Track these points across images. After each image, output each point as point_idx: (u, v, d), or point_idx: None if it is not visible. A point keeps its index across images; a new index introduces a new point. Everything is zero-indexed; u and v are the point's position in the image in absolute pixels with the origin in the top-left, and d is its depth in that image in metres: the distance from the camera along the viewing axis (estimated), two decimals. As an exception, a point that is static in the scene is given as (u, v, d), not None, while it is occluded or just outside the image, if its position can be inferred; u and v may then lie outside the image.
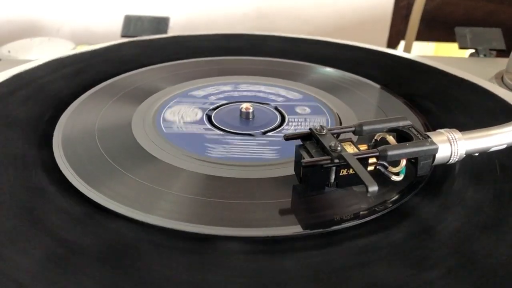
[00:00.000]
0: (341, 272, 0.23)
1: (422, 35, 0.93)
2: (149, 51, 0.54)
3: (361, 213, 0.28)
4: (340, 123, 0.39)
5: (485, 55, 0.65)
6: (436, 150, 0.28)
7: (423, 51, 1.02)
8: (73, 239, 0.25)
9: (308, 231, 0.27)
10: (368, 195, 0.24)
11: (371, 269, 0.24)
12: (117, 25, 0.68)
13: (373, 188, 0.24)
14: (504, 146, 0.31)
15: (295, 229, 0.27)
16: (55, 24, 0.88)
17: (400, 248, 0.25)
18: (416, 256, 0.24)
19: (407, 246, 0.25)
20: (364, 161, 0.27)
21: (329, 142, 0.27)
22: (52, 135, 0.35)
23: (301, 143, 0.29)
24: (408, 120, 0.30)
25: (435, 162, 0.30)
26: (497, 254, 0.25)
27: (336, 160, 0.26)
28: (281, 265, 0.24)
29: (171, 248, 0.25)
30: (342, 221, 0.27)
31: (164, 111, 0.39)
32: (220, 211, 0.28)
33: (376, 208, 0.28)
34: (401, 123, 0.30)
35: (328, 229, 0.26)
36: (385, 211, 0.28)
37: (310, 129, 0.29)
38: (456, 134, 0.30)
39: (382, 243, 0.26)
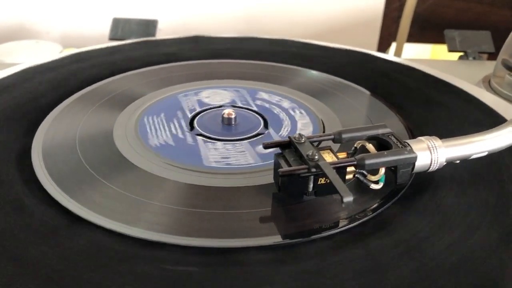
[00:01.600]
0: (320, 282, 0.23)
1: (414, 37, 0.93)
2: (132, 55, 0.54)
3: (340, 221, 0.28)
4: (324, 129, 0.38)
5: (474, 58, 0.65)
6: (415, 158, 0.28)
7: (420, 53, 1.02)
8: (49, 250, 0.25)
9: (288, 241, 0.26)
10: (343, 205, 0.24)
11: (351, 280, 0.23)
12: (107, 28, 0.67)
13: (348, 198, 0.23)
14: (486, 154, 0.31)
15: (274, 239, 0.26)
16: (44, 27, 0.87)
17: (380, 258, 0.25)
18: (396, 266, 0.24)
19: (387, 256, 0.25)
20: (342, 170, 0.27)
21: (307, 150, 0.27)
22: (31, 144, 0.35)
23: (280, 151, 0.29)
24: (388, 127, 0.30)
25: (415, 170, 0.29)
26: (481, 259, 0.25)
27: (313, 170, 0.26)
28: (262, 276, 0.24)
29: (152, 260, 0.25)
30: (321, 229, 0.27)
31: (146, 118, 0.39)
32: (201, 222, 0.27)
33: (357, 216, 0.28)
34: (380, 131, 0.30)
35: (308, 238, 0.26)
36: (365, 218, 0.28)
37: (289, 137, 0.29)
38: (436, 142, 0.30)
39: (361, 252, 0.25)
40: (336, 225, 0.27)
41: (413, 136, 0.37)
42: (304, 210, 0.28)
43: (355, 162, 0.27)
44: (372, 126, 0.30)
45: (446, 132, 0.37)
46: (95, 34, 0.86)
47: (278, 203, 0.29)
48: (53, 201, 0.29)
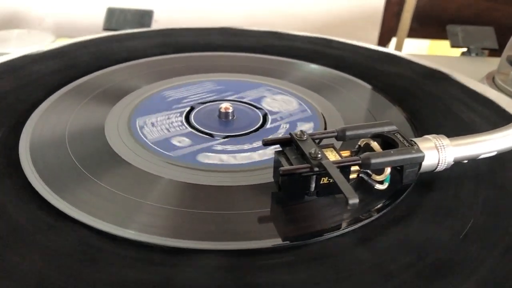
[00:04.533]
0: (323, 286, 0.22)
1: (414, 33, 0.92)
2: (127, 46, 0.52)
3: (343, 222, 0.26)
4: (325, 125, 0.37)
5: (477, 54, 0.64)
6: (422, 158, 0.27)
7: (417, 49, 1.01)
8: (35, 250, 0.23)
9: (288, 243, 0.25)
10: (348, 207, 0.22)
11: (353, 282, 0.22)
12: (101, 17, 0.65)
13: (354, 200, 0.22)
14: (495, 154, 0.30)
15: (273, 241, 0.25)
16: (37, 16, 0.85)
17: (385, 259, 0.24)
18: (402, 268, 0.23)
19: (391, 257, 0.24)
20: (346, 169, 0.26)
21: (310, 148, 0.26)
22: (18, 140, 0.33)
23: (281, 149, 0.27)
24: (393, 125, 0.29)
25: (422, 170, 0.28)
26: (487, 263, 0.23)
27: (316, 169, 0.25)
28: (260, 279, 0.22)
29: (143, 262, 0.23)
30: (323, 231, 0.25)
31: (140, 112, 0.37)
32: (196, 223, 0.26)
33: (361, 216, 0.26)
34: (386, 128, 0.29)
35: (309, 241, 0.25)
36: (370, 219, 0.26)
37: (290, 134, 0.27)
38: (444, 141, 0.29)
39: (366, 254, 0.24)
40: (338, 226, 0.26)
41: (417, 133, 0.36)
42: (305, 211, 0.27)
43: (360, 162, 0.26)
44: (377, 123, 0.29)
45: (450, 129, 0.36)
46: (88, 24, 0.83)
47: (277, 204, 0.28)
48: (40, 199, 0.27)
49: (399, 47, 0.85)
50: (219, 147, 0.33)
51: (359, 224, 0.26)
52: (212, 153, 0.32)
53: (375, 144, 0.28)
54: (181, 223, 0.26)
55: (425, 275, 0.23)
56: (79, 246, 0.24)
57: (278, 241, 0.25)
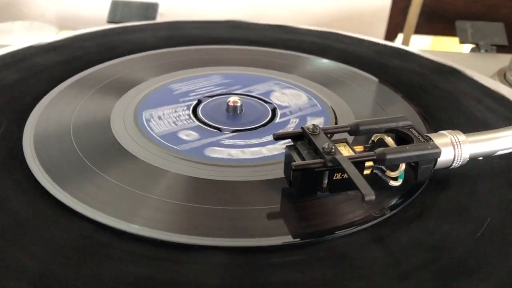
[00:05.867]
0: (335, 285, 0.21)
1: (421, 29, 0.91)
2: (133, 38, 0.51)
3: (356, 220, 0.25)
4: (336, 120, 0.36)
5: (486, 51, 0.63)
6: (438, 154, 0.26)
7: (419, 46, 1.00)
8: (40, 243, 0.22)
9: (298, 241, 0.24)
10: (364, 204, 0.21)
11: (367, 282, 0.21)
12: (105, 10, 0.64)
13: (370, 197, 0.21)
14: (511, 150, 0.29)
15: (284, 239, 0.24)
16: (40, 8, 0.84)
17: (399, 258, 0.23)
18: (416, 267, 0.22)
19: (406, 256, 0.23)
20: (360, 165, 0.25)
21: (323, 143, 0.25)
22: (22, 132, 0.32)
23: (292, 143, 0.27)
24: (408, 120, 0.28)
25: (437, 166, 0.27)
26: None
27: (330, 164, 0.24)
28: (270, 278, 0.22)
29: (148, 258, 0.22)
30: (336, 229, 0.25)
31: (146, 105, 0.37)
32: (203, 218, 0.25)
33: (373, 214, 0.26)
34: (400, 123, 0.28)
35: (321, 239, 0.24)
36: (383, 217, 0.26)
37: (302, 128, 0.26)
38: (460, 137, 0.28)
39: (379, 253, 0.23)
40: (351, 224, 0.25)
41: (429, 129, 0.35)
42: (317, 207, 0.26)
43: (375, 157, 0.25)
44: (391, 118, 0.28)
45: (462, 124, 0.35)
46: (92, 17, 0.82)
47: (288, 200, 0.27)
48: (44, 192, 0.26)
49: (406, 43, 0.84)
50: (227, 141, 0.32)
51: (372, 222, 0.25)
52: (220, 147, 0.31)
53: (389, 139, 0.27)
54: (187, 219, 0.25)
55: (441, 275, 0.22)
56: (82, 240, 0.23)
57: (288, 239, 0.24)
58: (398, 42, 0.90)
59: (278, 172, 0.28)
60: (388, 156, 0.25)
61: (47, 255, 0.22)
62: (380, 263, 0.23)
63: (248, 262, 0.23)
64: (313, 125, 0.26)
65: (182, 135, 0.33)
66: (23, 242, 0.23)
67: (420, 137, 0.27)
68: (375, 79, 0.44)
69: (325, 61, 0.47)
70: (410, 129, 0.27)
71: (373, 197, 0.21)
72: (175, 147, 0.31)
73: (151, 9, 0.63)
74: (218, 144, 0.32)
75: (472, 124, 0.36)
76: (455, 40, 0.66)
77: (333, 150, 0.24)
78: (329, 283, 0.21)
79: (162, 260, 0.22)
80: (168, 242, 0.23)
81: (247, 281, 0.22)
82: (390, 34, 0.90)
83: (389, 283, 0.22)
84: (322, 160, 0.24)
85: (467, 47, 0.65)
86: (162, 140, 0.32)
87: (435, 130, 0.32)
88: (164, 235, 0.24)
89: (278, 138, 0.27)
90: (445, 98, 0.41)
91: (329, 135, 0.27)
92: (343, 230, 0.25)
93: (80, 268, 0.22)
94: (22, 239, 0.23)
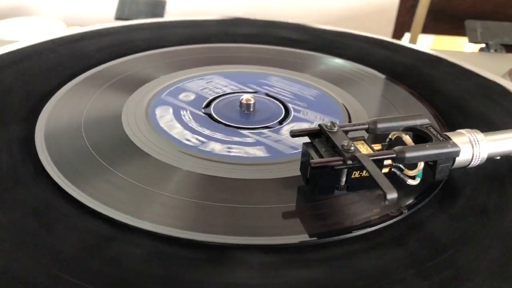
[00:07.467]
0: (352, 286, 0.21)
1: (428, 28, 0.90)
2: (143, 36, 0.51)
3: (373, 219, 0.25)
4: (349, 118, 0.36)
5: (495, 50, 0.62)
6: (458, 152, 0.26)
7: (423, 45, 0.99)
8: (52, 241, 0.22)
9: (315, 240, 0.24)
10: (386, 203, 0.21)
11: (386, 283, 0.21)
12: (112, 7, 0.64)
13: (392, 195, 0.21)
14: (530, 150, 0.28)
15: (300, 238, 0.24)
16: (47, 4, 0.83)
17: (418, 259, 0.23)
18: (434, 269, 0.22)
19: (424, 255, 0.23)
20: (378, 163, 0.25)
21: (341, 140, 0.25)
22: (34, 127, 0.32)
23: (309, 141, 0.26)
24: (426, 118, 0.28)
25: (455, 165, 0.27)
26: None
27: (349, 162, 0.24)
28: (286, 277, 0.21)
29: (158, 254, 0.22)
30: (353, 228, 0.24)
31: (158, 102, 0.36)
32: (218, 216, 0.25)
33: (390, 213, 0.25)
34: (418, 122, 0.27)
35: (337, 238, 0.24)
36: (400, 216, 0.25)
37: (320, 125, 0.26)
38: (478, 135, 0.27)
39: (398, 254, 0.23)
40: (368, 223, 0.25)
41: (443, 128, 0.35)
42: (334, 206, 0.26)
43: (394, 155, 0.24)
44: (409, 116, 0.28)
45: (476, 124, 0.35)
46: (99, 14, 0.82)
47: (304, 198, 0.27)
48: (55, 188, 0.26)
49: (413, 42, 0.84)
50: (239, 139, 0.32)
51: (389, 222, 0.25)
52: (232, 144, 0.31)
53: (407, 138, 0.26)
54: (199, 216, 0.25)
55: (459, 276, 0.22)
56: (92, 235, 0.23)
57: (305, 238, 0.24)
58: (405, 41, 0.90)
59: (292, 170, 0.28)
60: (408, 154, 0.24)
61: (58, 250, 0.22)
62: (398, 262, 0.22)
63: (263, 261, 0.22)
64: (331, 122, 0.26)
65: (194, 133, 0.32)
66: (36, 236, 0.23)
67: (438, 135, 0.26)
68: (387, 78, 0.43)
69: (335, 59, 0.47)
70: (429, 128, 0.27)
71: (395, 195, 0.21)
72: (187, 144, 0.31)
73: (159, 6, 0.63)
74: (230, 142, 0.31)
75: (486, 124, 0.36)
76: (456, 39, 0.66)
77: (352, 148, 0.24)
78: (346, 282, 0.21)
79: (171, 258, 0.22)
80: (178, 238, 0.23)
81: (261, 280, 0.21)
82: (397, 33, 0.89)
83: (409, 282, 0.21)
84: (342, 158, 0.24)
85: (469, 47, 0.65)
86: (175, 136, 0.31)
87: (449, 130, 0.31)
88: (175, 232, 0.23)
89: (295, 135, 0.27)
90: (458, 97, 0.40)
91: (346, 133, 0.26)
92: (361, 229, 0.24)
93: (89, 263, 0.21)
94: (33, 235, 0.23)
